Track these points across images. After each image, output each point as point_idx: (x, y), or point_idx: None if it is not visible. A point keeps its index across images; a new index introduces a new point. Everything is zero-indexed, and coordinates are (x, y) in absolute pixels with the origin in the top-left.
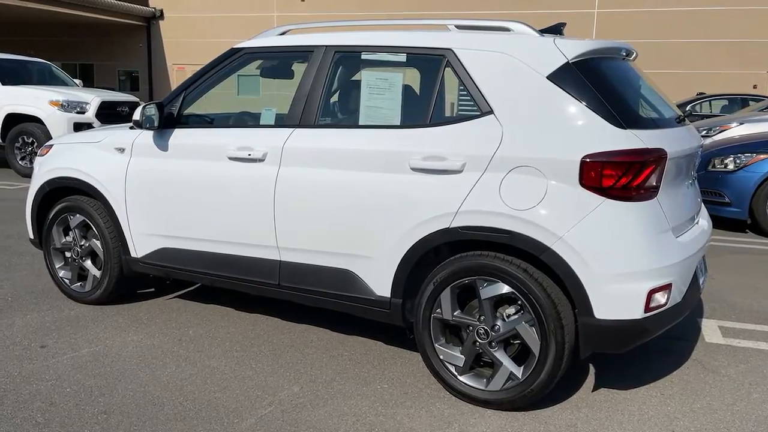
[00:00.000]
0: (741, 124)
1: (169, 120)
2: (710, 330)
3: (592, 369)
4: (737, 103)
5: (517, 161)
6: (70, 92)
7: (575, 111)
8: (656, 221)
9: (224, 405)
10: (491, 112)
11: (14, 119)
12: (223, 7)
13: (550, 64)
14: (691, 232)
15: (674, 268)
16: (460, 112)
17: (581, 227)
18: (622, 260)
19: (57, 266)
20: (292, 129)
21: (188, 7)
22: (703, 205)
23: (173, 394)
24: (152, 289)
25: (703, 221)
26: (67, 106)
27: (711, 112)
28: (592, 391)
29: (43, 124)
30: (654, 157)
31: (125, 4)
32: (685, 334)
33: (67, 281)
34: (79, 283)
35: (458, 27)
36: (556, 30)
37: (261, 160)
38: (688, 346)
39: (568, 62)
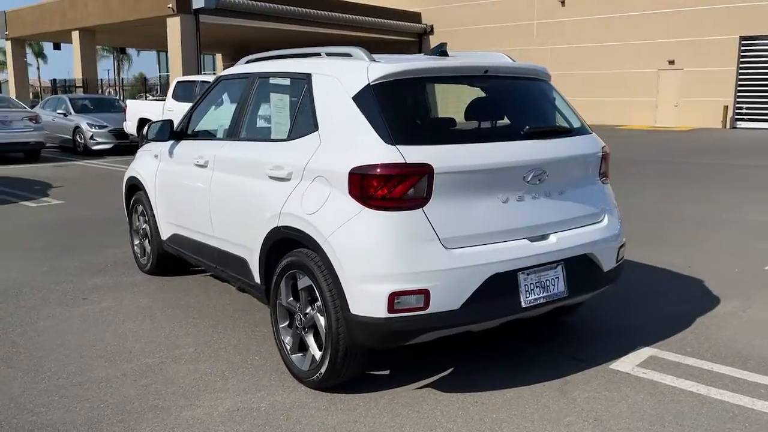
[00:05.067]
0: None
1: (179, 134)
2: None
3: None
4: None
5: (317, 172)
6: None
7: (361, 128)
8: (415, 230)
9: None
10: (317, 128)
11: None
12: (486, 19)
13: (356, 86)
14: (501, 245)
15: (433, 275)
16: (306, 128)
17: (341, 231)
18: (369, 263)
19: (134, 241)
20: (224, 141)
21: (454, 21)
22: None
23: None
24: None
25: (554, 238)
26: None
27: None
28: (421, 388)
29: None
30: (416, 171)
31: (401, 23)
32: (594, 357)
33: (138, 252)
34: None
35: (327, 54)
36: (438, 49)
37: (204, 166)
38: (588, 367)
39: (368, 84)
